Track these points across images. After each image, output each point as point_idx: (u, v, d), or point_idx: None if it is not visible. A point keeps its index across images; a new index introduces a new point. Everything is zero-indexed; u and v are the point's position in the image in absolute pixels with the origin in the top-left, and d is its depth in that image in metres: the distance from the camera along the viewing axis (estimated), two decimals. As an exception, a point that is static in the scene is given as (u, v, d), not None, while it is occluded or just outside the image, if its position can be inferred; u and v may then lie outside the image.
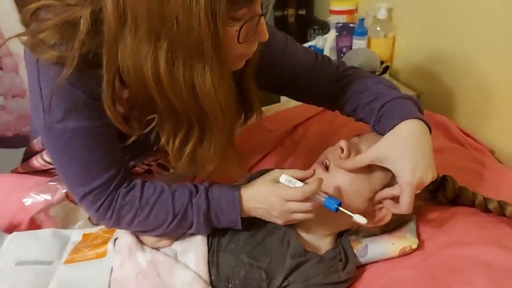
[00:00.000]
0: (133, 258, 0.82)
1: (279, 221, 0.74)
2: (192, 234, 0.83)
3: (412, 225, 0.84)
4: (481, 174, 0.95)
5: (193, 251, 0.81)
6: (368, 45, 1.47)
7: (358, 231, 0.83)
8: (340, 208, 0.70)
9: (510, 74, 1.01)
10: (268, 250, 0.79)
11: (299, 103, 1.25)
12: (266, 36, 0.61)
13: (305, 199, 0.70)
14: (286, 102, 1.30)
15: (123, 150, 0.73)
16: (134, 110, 0.70)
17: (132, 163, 0.85)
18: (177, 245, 0.84)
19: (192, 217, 0.74)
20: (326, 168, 0.79)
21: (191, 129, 0.66)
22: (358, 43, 1.46)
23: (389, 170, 0.73)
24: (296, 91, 0.87)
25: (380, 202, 0.77)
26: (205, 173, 0.72)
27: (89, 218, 1.01)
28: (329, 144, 1.09)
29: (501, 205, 0.79)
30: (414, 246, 0.80)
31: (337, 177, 0.76)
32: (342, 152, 0.77)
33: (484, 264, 0.70)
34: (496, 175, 0.94)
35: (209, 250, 0.81)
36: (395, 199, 0.74)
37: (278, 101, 1.43)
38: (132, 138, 0.70)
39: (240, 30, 0.57)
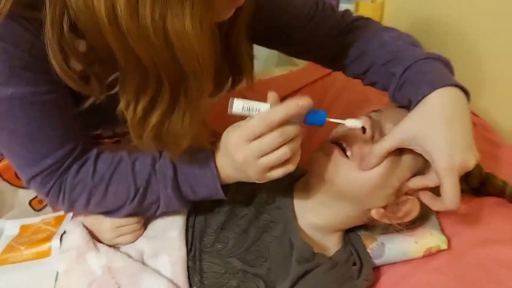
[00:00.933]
0: (82, 263, 0.62)
1: (256, 180, 0.56)
2: (165, 229, 0.65)
3: (434, 219, 0.70)
4: (497, 156, 0.82)
5: (167, 253, 0.62)
6: (356, 10, 1.38)
7: (373, 226, 0.68)
8: (328, 119, 0.54)
9: (504, 46, 0.92)
10: (266, 252, 0.62)
11: (286, 71, 1.12)
12: None
13: (275, 130, 0.50)
14: (270, 70, 1.12)
15: (87, 117, 0.56)
16: (93, 65, 0.53)
17: (99, 131, 0.71)
18: (145, 243, 0.65)
19: (158, 188, 0.59)
20: (343, 151, 0.62)
21: (160, 92, 0.49)
22: (346, 6, 1.33)
23: (420, 155, 0.58)
24: (291, 44, 0.71)
25: (407, 193, 0.62)
26: (177, 152, 0.54)
27: (30, 203, 0.83)
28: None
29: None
30: (443, 246, 0.66)
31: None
32: (364, 132, 0.61)
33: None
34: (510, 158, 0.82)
35: (189, 252, 0.62)
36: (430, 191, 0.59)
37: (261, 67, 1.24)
38: (90, 101, 0.54)
39: None
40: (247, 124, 0.51)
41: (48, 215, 0.81)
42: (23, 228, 0.75)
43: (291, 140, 0.52)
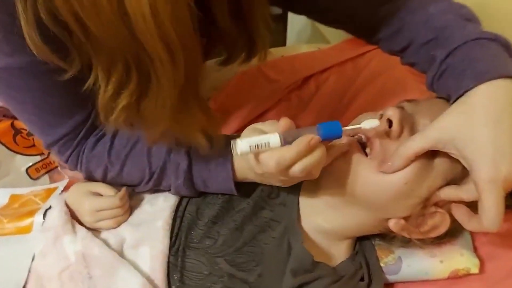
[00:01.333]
0: (58, 246, 0.56)
1: (279, 185, 0.53)
2: (152, 217, 0.58)
3: (467, 237, 0.58)
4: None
5: (148, 245, 0.55)
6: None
7: (390, 237, 0.57)
8: (345, 128, 0.47)
9: None
10: (259, 256, 0.54)
11: (314, 48, 1.00)
12: None
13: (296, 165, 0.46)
14: (296, 46, 1.01)
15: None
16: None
17: None
18: (127, 231, 0.58)
19: (170, 177, 0.57)
20: (363, 147, 0.52)
21: (128, 73, 0.44)
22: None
23: (457, 160, 0.47)
24: (317, 11, 0.61)
25: (436, 204, 0.51)
26: (153, 137, 0.50)
27: (27, 171, 0.79)
28: (350, 107, 0.85)
29: None
30: (474, 270, 0.55)
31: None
32: (390, 126, 0.50)
33: None
34: None
35: (172, 246, 0.55)
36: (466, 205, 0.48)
37: (281, 42, 1.13)
38: (69, 74, 0.48)
39: None
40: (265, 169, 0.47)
41: (39, 186, 0.76)
42: (13, 198, 0.70)
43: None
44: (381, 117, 0.53)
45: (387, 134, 0.51)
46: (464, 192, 0.48)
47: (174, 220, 0.57)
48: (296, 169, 0.45)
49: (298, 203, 0.58)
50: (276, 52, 0.98)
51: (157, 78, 0.42)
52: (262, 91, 0.89)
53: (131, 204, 0.61)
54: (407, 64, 0.61)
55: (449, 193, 0.50)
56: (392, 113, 0.51)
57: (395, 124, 0.50)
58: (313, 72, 0.92)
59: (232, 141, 0.46)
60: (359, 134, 0.53)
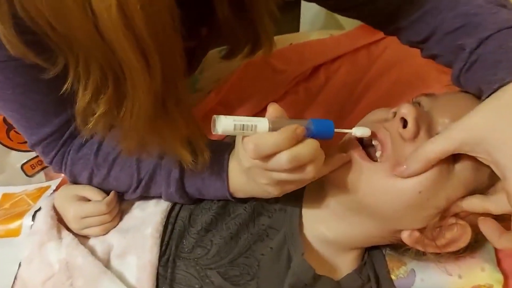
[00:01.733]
0: (43, 253, 0.53)
1: (274, 192, 0.46)
2: (142, 222, 0.54)
3: (490, 249, 0.52)
4: None
5: (136, 254, 0.51)
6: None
7: (402, 247, 0.51)
8: (337, 130, 0.43)
9: None
10: (254, 268, 0.49)
11: (326, 35, 0.94)
12: None
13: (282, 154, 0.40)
14: (306, 32, 0.94)
15: None
16: None
17: None
18: (115, 238, 0.54)
19: (161, 185, 0.53)
20: (366, 151, 0.46)
21: (105, 76, 0.39)
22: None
23: (484, 166, 0.42)
24: None
25: (456, 215, 0.45)
26: (129, 148, 0.45)
27: (22, 167, 0.76)
28: (362, 101, 0.78)
29: None
30: (497, 287, 0.49)
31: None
32: (405, 126, 0.44)
33: None
34: None
35: (161, 256, 0.51)
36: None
37: (295, 29, 1.06)
38: (52, 72, 0.44)
39: None
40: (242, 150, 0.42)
41: (33, 185, 0.73)
42: (5, 197, 0.68)
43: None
44: (394, 115, 0.47)
45: (400, 135, 0.45)
46: (492, 203, 0.42)
47: (165, 227, 0.53)
48: (283, 158, 0.39)
49: (301, 209, 0.53)
50: (284, 40, 0.91)
51: (132, 84, 0.38)
52: (268, 83, 0.83)
53: (122, 208, 0.57)
54: (428, 56, 0.55)
55: (473, 204, 0.43)
56: (406, 111, 0.44)
57: (410, 123, 0.44)
58: (323, 61, 0.85)
59: (214, 116, 0.40)
60: (366, 137, 0.47)
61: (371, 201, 0.45)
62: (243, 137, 0.41)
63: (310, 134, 0.41)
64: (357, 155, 0.45)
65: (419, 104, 0.49)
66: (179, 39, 0.38)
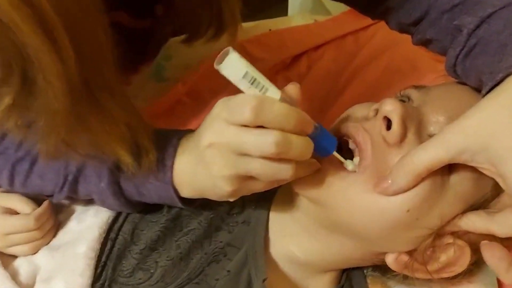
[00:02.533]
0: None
1: (227, 187, 0.35)
2: (76, 238, 0.45)
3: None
4: None
5: (63, 278, 0.42)
6: None
7: (388, 270, 0.42)
8: (335, 154, 0.36)
9: None
10: (207, 297, 0.40)
11: (310, 20, 0.85)
12: None
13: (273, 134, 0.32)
14: (286, 17, 0.85)
15: None
16: None
17: None
18: (44, 257, 0.45)
19: (91, 177, 0.42)
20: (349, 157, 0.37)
21: (8, 62, 0.32)
22: None
23: (485, 177, 0.34)
24: None
25: (453, 233, 0.37)
26: (47, 149, 0.36)
27: None
28: (346, 92, 0.69)
29: None
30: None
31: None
32: (389, 128, 0.36)
33: None
34: None
35: (96, 280, 0.42)
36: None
37: (281, 13, 0.97)
38: None
39: None
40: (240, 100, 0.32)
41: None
42: None
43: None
44: (376, 113, 0.38)
45: (384, 139, 0.36)
46: (497, 224, 0.34)
47: (104, 243, 0.44)
48: (271, 136, 0.31)
49: (267, 223, 0.44)
50: (263, 26, 0.82)
51: (40, 69, 0.30)
52: (243, 72, 0.75)
53: (59, 219, 0.48)
54: (420, 42, 0.47)
55: (473, 223, 0.35)
56: (390, 108, 0.36)
57: (396, 124, 0.35)
58: (306, 48, 0.77)
59: (228, 48, 0.31)
60: (344, 137, 0.38)
61: (347, 219, 0.37)
62: (243, 94, 0.32)
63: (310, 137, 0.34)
64: (329, 163, 0.36)
65: (408, 98, 0.41)
66: (100, 15, 0.31)
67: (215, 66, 0.31)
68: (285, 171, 0.33)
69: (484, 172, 0.33)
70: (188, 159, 0.39)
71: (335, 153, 0.35)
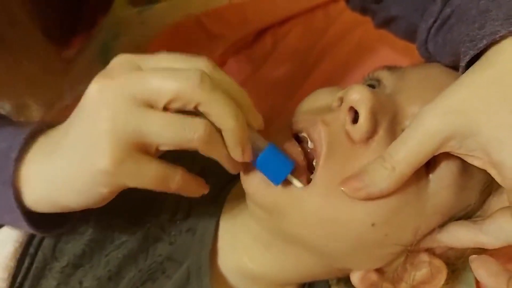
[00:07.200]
0: None
1: (105, 158, 0.25)
2: None
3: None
4: None
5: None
6: None
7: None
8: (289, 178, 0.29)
9: None
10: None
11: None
12: None
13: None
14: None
15: None
16: None
17: None
18: None
19: None
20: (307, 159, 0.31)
21: None
22: None
23: (471, 181, 0.29)
24: None
25: (429, 250, 0.31)
26: None
27: None
28: (315, 72, 0.62)
29: None
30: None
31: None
32: (356, 121, 0.29)
33: None
34: None
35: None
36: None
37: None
38: None
39: None
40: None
41: None
42: None
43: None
44: (340, 102, 0.31)
45: (348, 135, 0.30)
46: (485, 235, 0.28)
47: (21, 261, 0.37)
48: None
49: (216, 231, 0.38)
50: (221, -3, 0.75)
51: None
52: (200, 50, 0.66)
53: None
54: (383, 23, 0.42)
55: (457, 235, 0.29)
56: (357, 96, 0.29)
57: (363, 118, 0.29)
58: (270, 23, 0.70)
59: None
60: (301, 133, 0.31)
61: (302, 232, 0.31)
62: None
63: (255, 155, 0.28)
64: (297, 157, 0.30)
65: (378, 81, 0.34)
66: None
67: None
68: (195, 130, 0.25)
69: (474, 163, 0.27)
70: (45, 140, 0.29)
71: (291, 178, 0.29)
